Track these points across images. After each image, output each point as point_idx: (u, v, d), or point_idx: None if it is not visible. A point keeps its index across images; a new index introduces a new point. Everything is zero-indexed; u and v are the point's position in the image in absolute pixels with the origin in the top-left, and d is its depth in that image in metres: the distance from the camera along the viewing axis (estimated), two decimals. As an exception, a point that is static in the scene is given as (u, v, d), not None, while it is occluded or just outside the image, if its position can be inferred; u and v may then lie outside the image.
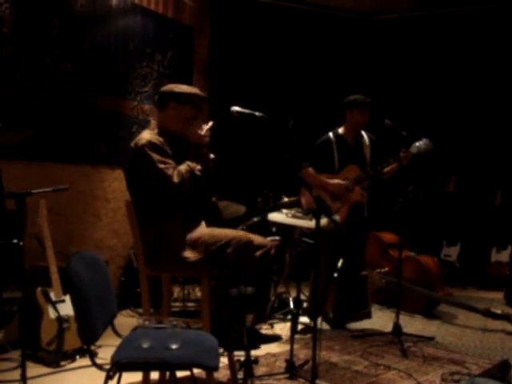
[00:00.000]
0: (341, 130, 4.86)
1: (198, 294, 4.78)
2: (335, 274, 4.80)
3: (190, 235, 3.28)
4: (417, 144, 4.51)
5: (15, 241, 3.45)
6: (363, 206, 4.77)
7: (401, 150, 4.53)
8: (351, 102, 4.77)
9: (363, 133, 4.89)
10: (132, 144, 3.27)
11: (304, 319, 4.64)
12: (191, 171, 3.22)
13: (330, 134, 4.85)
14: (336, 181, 4.66)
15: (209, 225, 3.51)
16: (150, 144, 3.18)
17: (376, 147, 4.88)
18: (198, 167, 3.28)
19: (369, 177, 4.72)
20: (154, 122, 3.48)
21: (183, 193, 3.21)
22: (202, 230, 3.39)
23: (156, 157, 3.15)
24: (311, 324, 3.43)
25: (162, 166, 3.15)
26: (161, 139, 3.26)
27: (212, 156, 3.49)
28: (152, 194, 3.24)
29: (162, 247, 3.22)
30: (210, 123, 3.39)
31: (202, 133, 3.33)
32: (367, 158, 4.83)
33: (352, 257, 4.78)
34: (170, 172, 3.14)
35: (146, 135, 3.28)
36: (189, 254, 3.21)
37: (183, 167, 3.21)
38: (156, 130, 3.35)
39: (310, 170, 4.71)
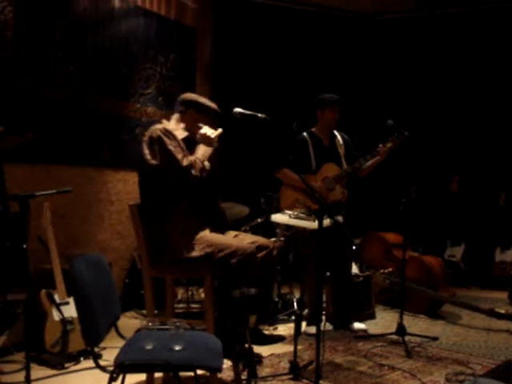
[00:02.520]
0: (314, 130, 4.82)
1: (202, 295, 4.79)
2: (327, 274, 4.81)
3: (193, 234, 3.32)
4: (391, 138, 4.49)
5: (19, 243, 3.46)
6: (341, 204, 4.70)
7: (378, 145, 4.53)
8: (320, 102, 4.74)
9: (336, 132, 4.86)
10: (147, 132, 3.45)
11: (308, 329, 4.60)
12: (199, 163, 3.36)
13: (305, 133, 4.80)
14: (312, 183, 4.59)
15: (214, 230, 3.53)
16: (165, 130, 3.37)
17: (349, 146, 4.87)
18: (207, 163, 3.43)
19: (348, 174, 4.69)
20: (166, 122, 3.62)
21: (190, 178, 3.30)
22: (205, 232, 3.42)
23: (168, 141, 3.33)
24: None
25: (172, 148, 3.31)
26: (177, 133, 3.45)
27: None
28: (161, 183, 3.34)
29: (166, 244, 3.26)
30: (220, 130, 3.53)
31: (213, 136, 3.46)
32: (342, 157, 4.80)
33: (336, 257, 4.73)
34: (179, 156, 3.30)
35: (162, 124, 3.50)
36: (191, 251, 3.25)
37: (192, 157, 3.37)
38: (176, 126, 3.55)
39: (287, 170, 4.69)
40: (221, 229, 3.57)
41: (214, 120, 3.65)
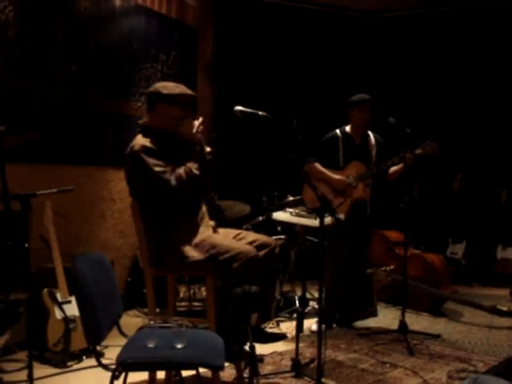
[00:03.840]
0: (348, 129, 4.88)
1: (204, 293, 4.79)
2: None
3: (194, 236, 3.31)
4: (421, 145, 4.49)
5: (21, 242, 3.47)
6: (366, 203, 4.76)
7: (406, 150, 4.53)
8: (350, 102, 4.81)
9: (370, 133, 4.90)
10: (127, 150, 3.28)
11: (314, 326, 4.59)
12: (188, 172, 3.22)
13: (337, 130, 4.86)
14: (339, 177, 4.67)
15: (216, 225, 3.53)
16: (144, 148, 3.20)
17: (382, 148, 4.88)
18: (195, 166, 3.28)
19: (372, 174, 4.71)
20: (138, 137, 3.39)
21: (182, 195, 3.23)
22: (208, 233, 3.40)
23: (151, 161, 3.16)
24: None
25: (158, 169, 3.16)
26: (151, 141, 3.25)
27: (208, 149, 3.49)
28: (153, 197, 3.27)
29: (166, 247, 3.24)
30: (200, 119, 3.37)
31: (194, 130, 3.32)
32: (373, 158, 4.83)
33: (355, 254, 4.76)
34: (167, 176, 3.16)
35: (140, 140, 3.28)
36: (193, 254, 3.23)
37: (181, 170, 3.22)
38: (145, 140, 3.30)
39: (316, 164, 4.73)
40: (219, 219, 3.55)
41: (189, 106, 3.40)
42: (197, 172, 3.27)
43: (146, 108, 3.47)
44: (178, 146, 3.35)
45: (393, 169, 4.72)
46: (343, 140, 4.81)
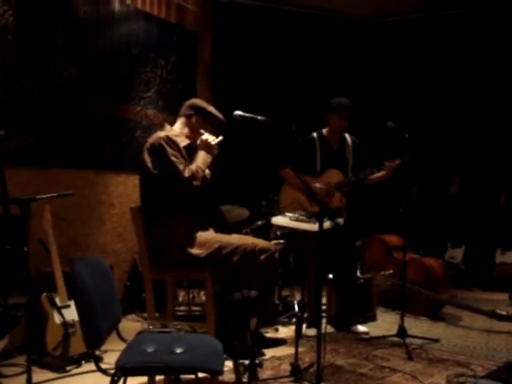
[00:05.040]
0: (325, 132, 4.83)
1: (203, 298, 4.79)
2: (330, 276, 4.81)
3: (197, 234, 3.37)
4: (400, 156, 4.47)
5: (20, 246, 3.47)
6: (341, 211, 4.66)
7: (386, 160, 4.51)
8: (328, 106, 4.77)
9: (346, 136, 4.85)
10: (150, 139, 3.46)
11: (309, 332, 4.58)
12: (201, 171, 3.40)
13: (314, 134, 4.81)
14: (317, 185, 4.58)
15: (217, 231, 3.56)
16: (168, 138, 3.38)
17: (358, 150, 4.84)
18: (208, 171, 3.52)
19: (350, 183, 4.68)
20: (168, 127, 3.64)
21: (192, 189, 3.35)
22: (210, 233, 3.44)
23: (170, 150, 3.34)
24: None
25: (174, 159, 3.33)
26: (180, 139, 3.48)
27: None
28: (163, 188, 3.38)
29: (169, 242, 3.31)
30: (220, 137, 3.57)
31: (213, 143, 3.51)
32: (349, 162, 4.78)
33: (342, 259, 4.73)
34: (181, 167, 3.31)
35: (167, 129, 3.55)
36: (194, 250, 3.29)
37: (193, 166, 3.38)
38: (180, 130, 3.61)
39: (290, 169, 4.64)
40: (223, 229, 3.60)
41: (217, 130, 3.68)
42: (209, 176, 3.51)
43: (183, 114, 3.68)
44: (192, 154, 3.53)
45: (372, 176, 4.66)
46: (320, 144, 4.76)
